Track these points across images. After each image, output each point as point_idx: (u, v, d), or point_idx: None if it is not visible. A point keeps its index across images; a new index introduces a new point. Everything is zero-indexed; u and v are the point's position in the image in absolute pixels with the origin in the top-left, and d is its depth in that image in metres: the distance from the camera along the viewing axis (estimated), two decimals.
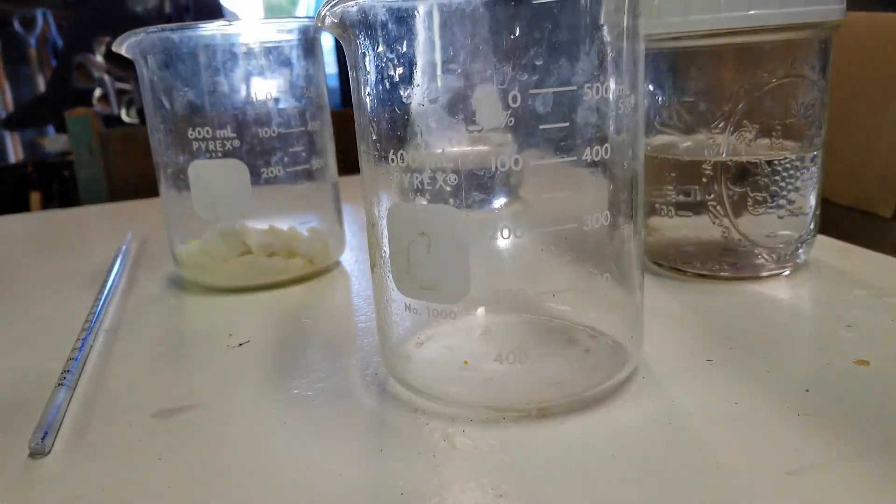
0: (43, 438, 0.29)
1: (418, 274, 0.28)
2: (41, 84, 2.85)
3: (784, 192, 0.40)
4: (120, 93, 1.61)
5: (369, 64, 0.28)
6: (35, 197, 1.78)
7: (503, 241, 0.27)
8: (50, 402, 0.32)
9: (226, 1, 2.56)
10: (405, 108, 0.28)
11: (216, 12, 2.36)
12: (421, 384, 0.30)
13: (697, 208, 0.42)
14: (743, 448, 0.26)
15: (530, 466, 0.26)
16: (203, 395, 0.33)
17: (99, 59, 1.55)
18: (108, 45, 1.49)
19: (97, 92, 1.62)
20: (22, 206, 1.87)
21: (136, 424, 0.31)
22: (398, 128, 0.28)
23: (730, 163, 0.40)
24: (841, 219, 0.81)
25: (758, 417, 0.28)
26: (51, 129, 2.59)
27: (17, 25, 2.84)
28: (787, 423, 0.27)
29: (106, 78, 1.59)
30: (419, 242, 0.27)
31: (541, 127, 0.26)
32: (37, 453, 0.28)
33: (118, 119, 1.48)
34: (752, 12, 0.37)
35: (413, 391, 0.31)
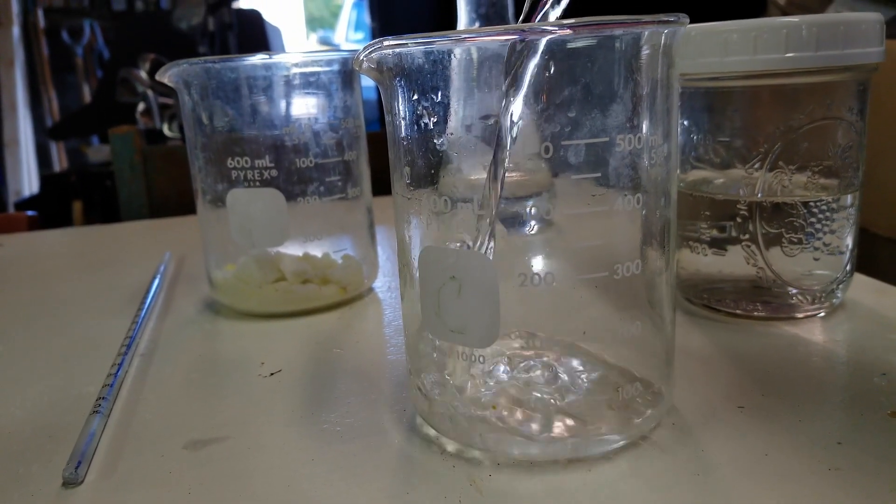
0: (77, 468, 0.29)
1: (448, 317, 0.28)
2: (87, 93, 2.91)
3: (820, 234, 0.40)
4: (163, 107, 1.64)
5: (406, 107, 0.28)
6: (77, 206, 1.82)
7: (534, 286, 0.27)
8: (84, 430, 0.32)
9: (268, 16, 2.60)
10: (440, 150, 0.28)
11: (259, 27, 2.40)
12: (448, 425, 0.30)
13: (731, 246, 0.41)
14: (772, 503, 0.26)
15: None
16: (234, 426, 0.33)
17: (143, 74, 1.58)
18: (153, 62, 1.52)
19: (140, 106, 1.65)
20: (65, 215, 1.91)
21: (167, 455, 0.31)
22: (432, 168, 0.28)
23: (765, 203, 0.40)
24: (881, 250, 0.79)
25: (788, 471, 0.28)
26: (95, 139, 2.65)
27: (64, 35, 2.91)
28: (818, 477, 0.27)
29: (149, 93, 1.62)
30: (449, 286, 0.27)
31: (573, 177, 0.26)
32: (70, 483, 0.29)
33: (160, 133, 1.51)
34: (788, 55, 0.37)
35: (440, 431, 0.31)
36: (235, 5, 2.27)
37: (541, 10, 0.28)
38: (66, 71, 3.00)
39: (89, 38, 2.97)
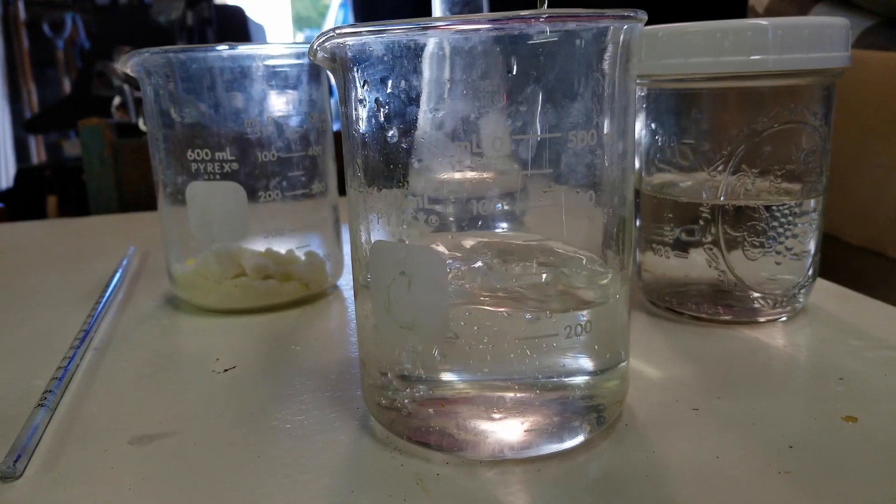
0: (15, 462, 0.28)
1: (398, 313, 0.27)
2: (67, 87, 2.89)
3: (782, 238, 0.40)
4: (139, 102, 1.63)
5: (359, 98, 0.28)
6: (52, 200, 1.80)
7: (485, 283, 0.27)
8: (27, 423, 0.31)
9: (252, 13, 2.59)
10: (392, 143, 0.27)
11: (241, 24, 2.39)
12: (397, 424, 0.30)
13: (694, 250, 0.41)
14: None
15: None
16: (182, 422, 0.33)
17: (119, 68, 1.56)
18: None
19: (116, 100, 1.63)
20: (39, 209, 1.89)
21: (111, 450, 0.30)
22: (385, 162, 0.28)
23: (727, 206, 0.40)
24: (849, 259, 0.80)
25: (738, 473, 0.27)
26: (73, 133, 2.62)
27: (45, 28, 2.88)
28: (768, 480, 0.27)
29: (125, 87, 1.60)
30: (399, 282, 0.27)
31: (525, 173, 0.26)
32: (7, 477, 0.28)
33: (135, 128, 1.49)
34: (753, 57, 0.36)
35: (390, 429, 0.30)
36: (217, 0, 2.25)
37: None
38: (46, 64, 2.97)
39: (71, 31, 2.94)
